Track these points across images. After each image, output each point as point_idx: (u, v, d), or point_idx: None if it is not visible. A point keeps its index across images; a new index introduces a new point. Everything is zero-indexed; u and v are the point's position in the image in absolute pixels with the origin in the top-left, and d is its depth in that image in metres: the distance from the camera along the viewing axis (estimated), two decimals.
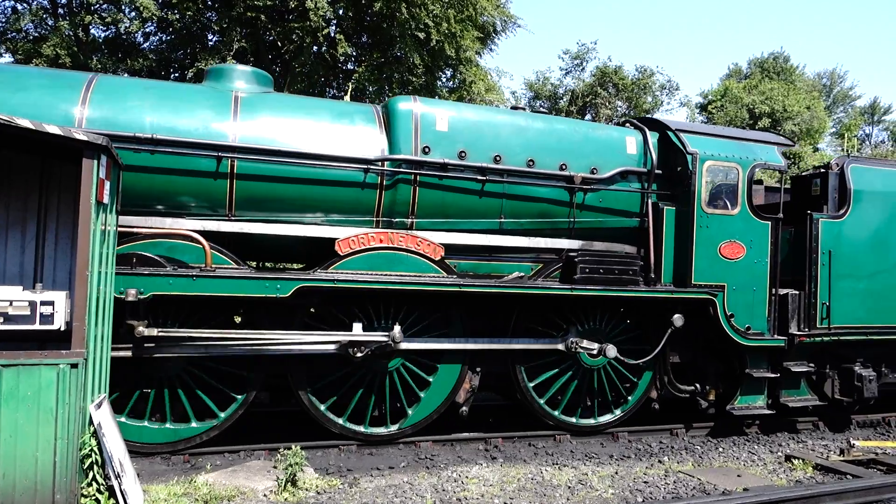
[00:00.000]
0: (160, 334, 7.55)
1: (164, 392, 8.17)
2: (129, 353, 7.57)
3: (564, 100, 33.07)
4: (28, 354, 5.75)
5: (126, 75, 19.23)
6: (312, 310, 8.77)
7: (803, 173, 12.92)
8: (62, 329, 6.22)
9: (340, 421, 8.87)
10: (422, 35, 19.82)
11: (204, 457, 8.35)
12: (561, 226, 9.77)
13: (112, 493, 5.88)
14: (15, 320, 6.10)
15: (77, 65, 18.53)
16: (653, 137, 10.24)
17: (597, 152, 9.90)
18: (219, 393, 8.40)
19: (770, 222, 10.21)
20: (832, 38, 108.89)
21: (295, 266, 11.32)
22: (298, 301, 8.22)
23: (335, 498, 7.17)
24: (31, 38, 20.73)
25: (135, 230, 7.77)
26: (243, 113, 8.46)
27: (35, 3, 21.41)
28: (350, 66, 22.67)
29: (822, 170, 11.13)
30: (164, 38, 21.77)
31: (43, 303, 6.17)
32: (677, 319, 9.71)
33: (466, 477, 8.05)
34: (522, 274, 9.57)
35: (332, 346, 8.42)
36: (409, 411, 9.12)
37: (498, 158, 9.27)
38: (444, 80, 23.79)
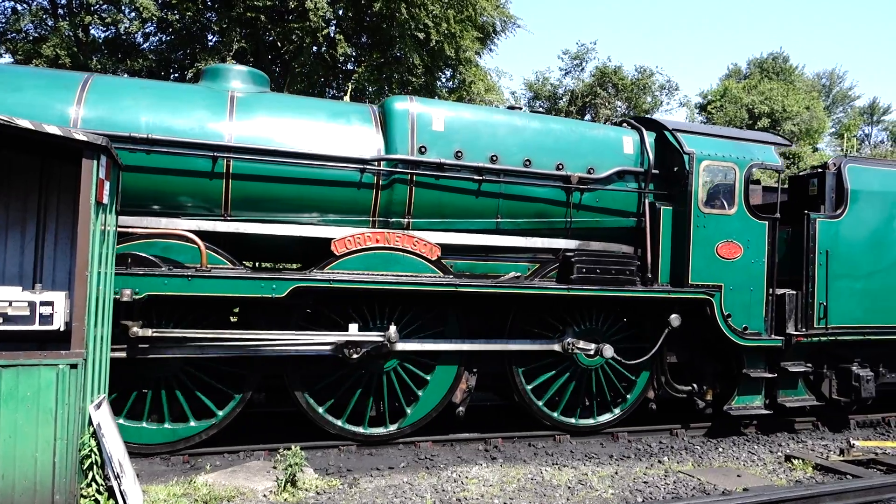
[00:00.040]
0: (154, 335, 7.54)
1: (160, 392, 8.17)
2: (123, 354, 7.57)
3: (564, 100, 33.05)
4: (27, 355, 5.75)
5: (126, 76, 19.26)
6: (309, 311, 8.76)
7: (800, 173, 12.91)
8: (62, 329, 6.21)
9: (339, 423, 8.87)
10: (421, 35, 19.83)
11: (203, 457, 8.35)
12: (558, 226, 9.76)
13: (112, 494, 5.88)
14: (14, 321, 6.09)
15: (77, 65, 18.54)
16: (650, 137, 10.24)
17: (593, 152, 9.89)
18: (216, 392, 8.40)
19: (767, 222, 10.21)
20: (831, 39, 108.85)
21: (292, 266, 11.31)
22: (294, 301, 8.21)
23: (335, 498, 7.17)
24: (31, 38, 20.73)
25: (130, 230, 7.77)
26: (239, 113, 8.45)
27: (35, 3, 21.45)
28: (350, 67, 22.69)
29: (820, 170, 11.12)
30: (163, 39, 21.80)
31: (42, 303, 6.16)
32: (674, 319, 9.71)
33: (466, 477, 8.05)
34: (519, 274, 9.56)
35: (327, 347, 8.41)
36: (409, 410, 9.11)
37: (494, 158, 9.27)
38: (443, 80, 23.82)
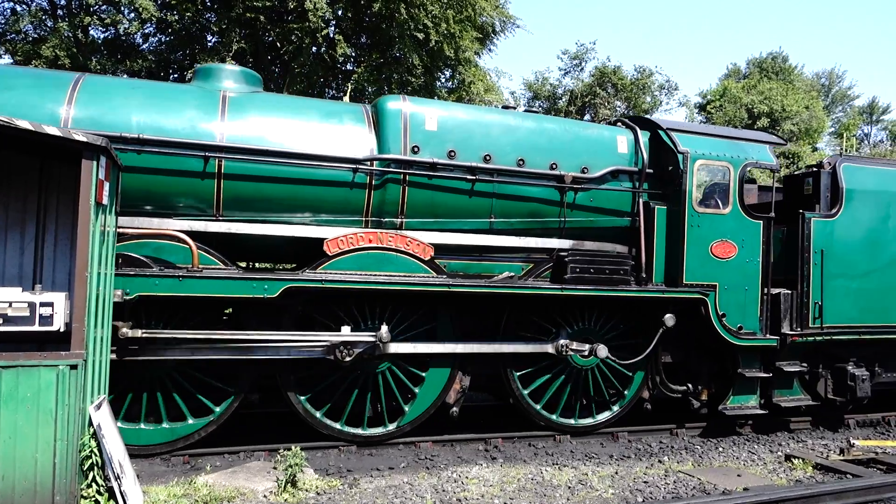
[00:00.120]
0: (144, 335, 7.52)
1: (155, 393, 8.16)
2: (114, 356, 7.56)
3: (563, 100, 33.05)
4: (27, 356, 5.76)
5: (125, 76, 19.29)
6: (301, 311, 8.74)
7: (796, 172, 12.89)
8: (61, 330, 6.21)
9: (337, 426, 8.88)
10: (421, 35, 19.82)
11: (204, 458, 8.34)
12: (552, 225, 9.75)
13: (112, 495, 5.90)
14: (14, 322, 6.10)
15: (76, 66, 18.53)
16: (644, 136, 10.21)
17: (588, 151, 9.88)
18: (212, 389, 8.39)
19: (762, 221, 10.18)
20: (831, 38, 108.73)
21: (285, 267, 11.31)
22: (286, 302, 8.21)
23: (335, 499, 7.17)
24: (31, 39, 20.73)
25: (121, 231, 7.74)
26: (231, 112, 8.44)
27: (34, 4, 21.48)
28: (349, 67, 22.68)
29: (815, 169, 11.08)
30: (163, 40, 21.80)
31: (42, 304, 6.16)
32: (668, 319, 9.69)
33: (466, 477, 8.05)
34: (513, 274, 9.55)
35: (319, 350, 8.38)
36: (406, 408, 9.10)
37: (488, 158, 9.26)
38: (443, 80, 23.80)
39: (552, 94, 34.60)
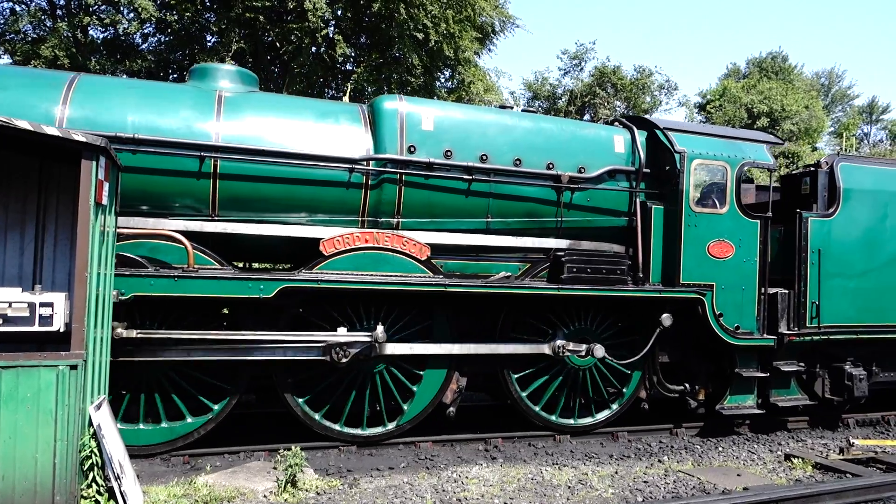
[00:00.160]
0: (139, 336, 7.51)
1: (152, 393, 8.15)
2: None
3: (563, 100, 33.05)
4: (27, 356, 5.75)
5: (125, 76, 19.30)
6: (299, 311, 8.75)
7: (793, 172, 12.88)
8: (61, 331, 6.20)
9: (336, 426, 8.87)
10: (420, 35, 19.84)
11: (203, 458, 8.34)
12: (548, 225, 9.74)
13: (112, 495, 5.89)
14: (14, 322, 6.09)
15: (76, 66, 18.55)
16: (641, 136, 10.19)
17: (584, 151, 9.87)
18: (210, 387, 8.37)
19: (759, 221, 10.16)
20: (830, 38, 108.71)
21: (282, 268, 11.30)
22: (283, 302, 8.21)
23: (335, 499, 7.17)
24: (30, 39, 20.78)
25: (117, 231, 7.75)
26: (227, 112, 8.43)
27: (33, 4, 21.52)
28: (349, 67, 22.70)
29: (812, 168, 11.08)
30: (162, 40, 21.85)
31: (42, 304, 6.15)
32: (665, 319, 9.68)
33: (466, 477, 8.04)
34: (509, 274, 9.54)
35: (315, 349, 8.37)
36: (405, 407, 9.10)
37: (484, 157, 9.25)
38: (442, 80, 23.82)
39: (552, 94, 34.63)
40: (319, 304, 8.63)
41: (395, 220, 9.02)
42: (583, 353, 9.50)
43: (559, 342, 9.38)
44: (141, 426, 8.11)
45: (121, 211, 7.74)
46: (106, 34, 21.82)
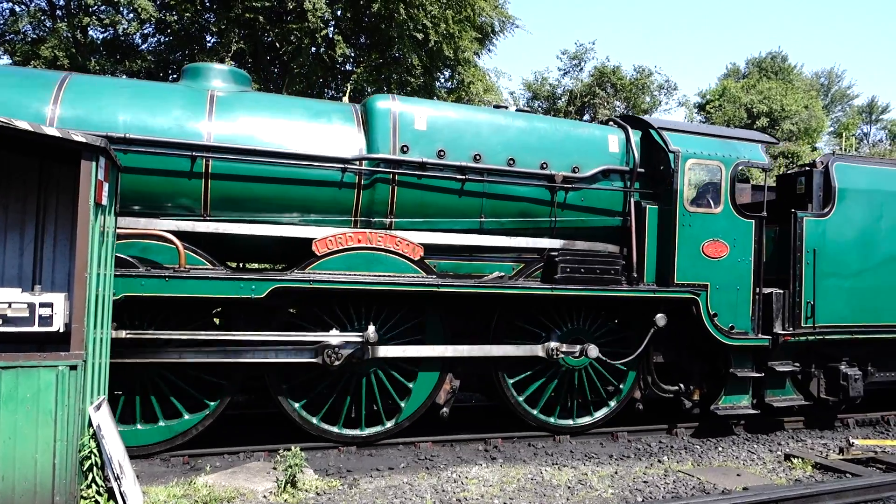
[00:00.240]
0: (128, 336, 7.49)
1: (147, 393, 8.13)
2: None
3: (563, 100, 33.03)
4: (27, 356, 5.75)
5: (125, 76, 19.34)
6: (292, 312, 8.74)
7: (788, 171, 12.85)
8: (61, 331, 6.20)
9: (334, 428, 8.87)
10: (420, 36, 19.87)
11: (203, 458, 8.32)
12: (542, 225, 9.72)
13: (112, 495, 5.89)
14: (14, 322, 6.09)
15: (75, 66, 18.60)
16: (635, 136, 10.18)
17: (578, 151, 9.85)
18: (204, 384, 8.36)
19: (754, 221, 10.15)
20: (830, 38, 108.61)
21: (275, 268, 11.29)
22: (275, 303, 8.19)
23: (335, 499, 7.16)
24: (30, 39, 20.83)
25: None
26: (219, 112, 8.41)
27: (33, 4, 21.57)
28: (348, 67, 22.73)
29: (807, 168, 11.06)
30: (162, 40, 21.91)
31: (42, 304, 6.15)
32: (660, 319, 9.67)
33: (466, 477, 8.03)
34: (503, 274, 9.53)
35: (307, 351, 8.35)
36: (403, 404, 9.08)
37: (478, 157, 9.24)
38: (442, 80, 23.83)
39: (551, 94, 34.60)
40: (312, 305, 8.61)
41: (388, 219, 9.01)
42: (577, 354, 9.48)
43: (553, 344, 9.35)
44: (138, 426, 8.10)
45: None
46: (106, 35, 21.89)
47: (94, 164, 5.90)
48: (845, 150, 28.37)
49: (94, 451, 5.87)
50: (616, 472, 8.42)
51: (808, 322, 10.34)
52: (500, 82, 29.82)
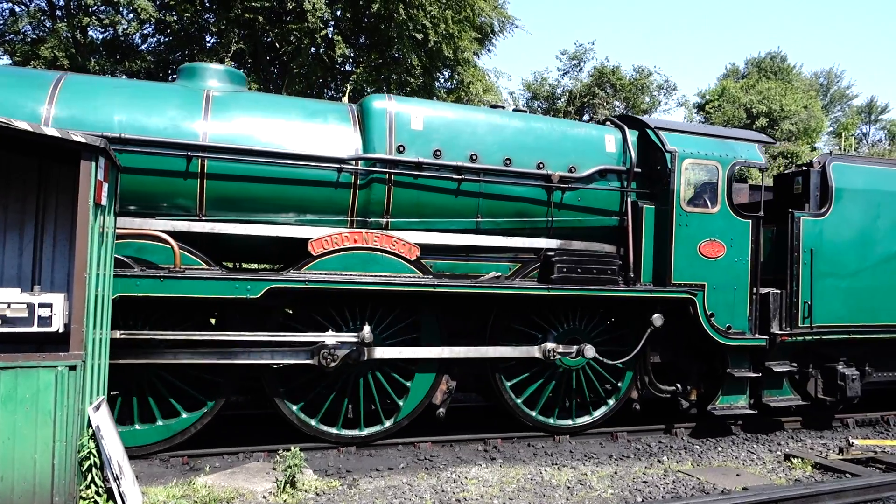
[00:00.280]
0: (123, 337, 7.47)
1: (144, 393, 8.12)
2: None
3: (562, 100, 32.99)
4: (26, 356, 5.75)
5: (124, 76, 19.35)
6: (289, 313, 8.73)
7: (785, 171, 12.84)
8: (60, 331, 6.20)
9: (333, 429, 8.88)
10: (419, 36, 19.86)
11: (203, 458, 8.31)
12: (539, 225, 9.72)
13: (111, 496, 5.89)
14: (13, 322, 6.10)
15: (75, 66, 18.59)
16: (632, 135, 10.15)
17: (575, 151, 9.84)
18: (201, 383, 8.35)
19: (751, 221, 10.14)
20: (829, 38, 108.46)
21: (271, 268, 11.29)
22: (271, 303, 8.18)
23: (334, 499, 7.16)
24: (29, 39, 20.84)
25: None
26: (215, 112, 8.40)
27: (33, 4, 21.58)
28: (348, 68, 22.72)
29: (804, 168, 11.04)
30: (161, 40, 21.88)
31: (41, 305, 6.16)
32: (657, 319, 9.66)
33: (466, 477, 8.03)
34: (499, 274, 9.52)
35: (302, 352, 8.33)
36: (401, 403, 9.07)
37: (474, 157, 9.23)
38: (441, 80, 23.82)
39: (551, 94, 34.52)
40: (307, 306, 8.60)
41: (385, 219, 9.00)
42: (573, 354, 9.47)
43: (549, 345, 9.34)
44: (137, 426, 8.09)
45: None
46: (105, 35, 21.89)
47: (93, 164, 5.90)
48: (844, 150, 28.27)
49: (94, 451, 5.88)
50: (616, 472, 8.42)
51: (806, 322, 10.33)
52: (499, 82, 29.79)
